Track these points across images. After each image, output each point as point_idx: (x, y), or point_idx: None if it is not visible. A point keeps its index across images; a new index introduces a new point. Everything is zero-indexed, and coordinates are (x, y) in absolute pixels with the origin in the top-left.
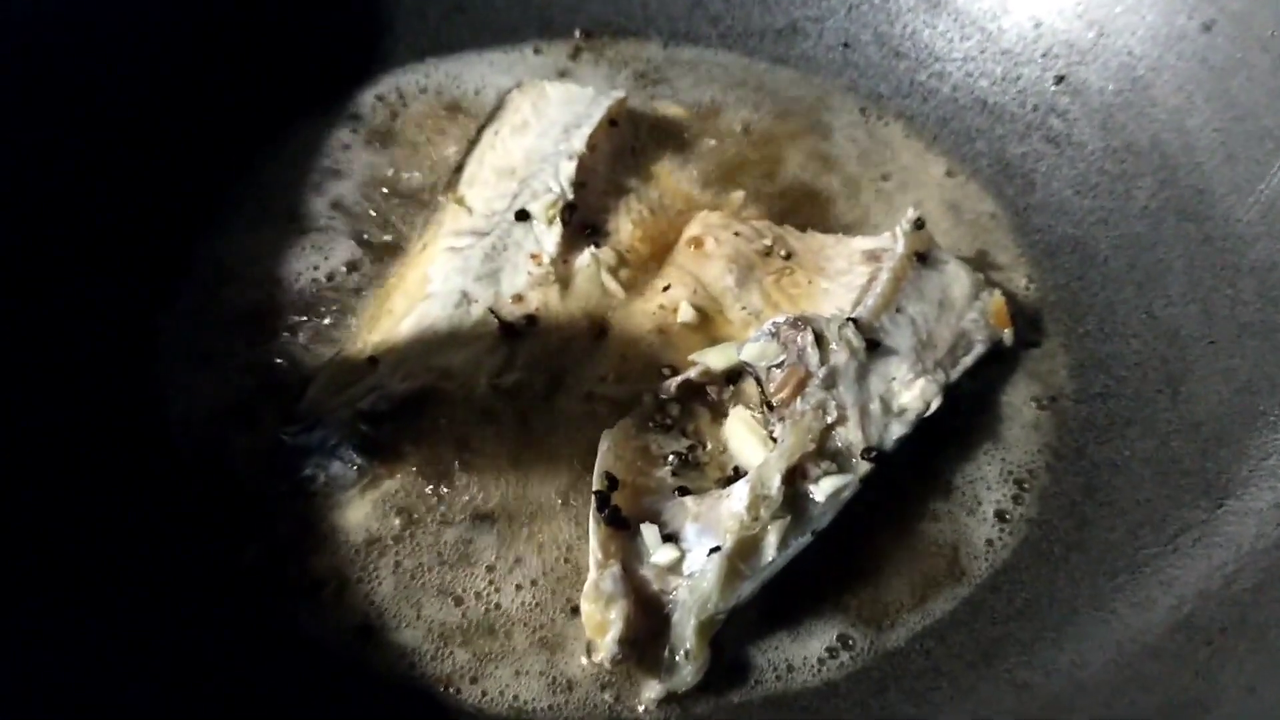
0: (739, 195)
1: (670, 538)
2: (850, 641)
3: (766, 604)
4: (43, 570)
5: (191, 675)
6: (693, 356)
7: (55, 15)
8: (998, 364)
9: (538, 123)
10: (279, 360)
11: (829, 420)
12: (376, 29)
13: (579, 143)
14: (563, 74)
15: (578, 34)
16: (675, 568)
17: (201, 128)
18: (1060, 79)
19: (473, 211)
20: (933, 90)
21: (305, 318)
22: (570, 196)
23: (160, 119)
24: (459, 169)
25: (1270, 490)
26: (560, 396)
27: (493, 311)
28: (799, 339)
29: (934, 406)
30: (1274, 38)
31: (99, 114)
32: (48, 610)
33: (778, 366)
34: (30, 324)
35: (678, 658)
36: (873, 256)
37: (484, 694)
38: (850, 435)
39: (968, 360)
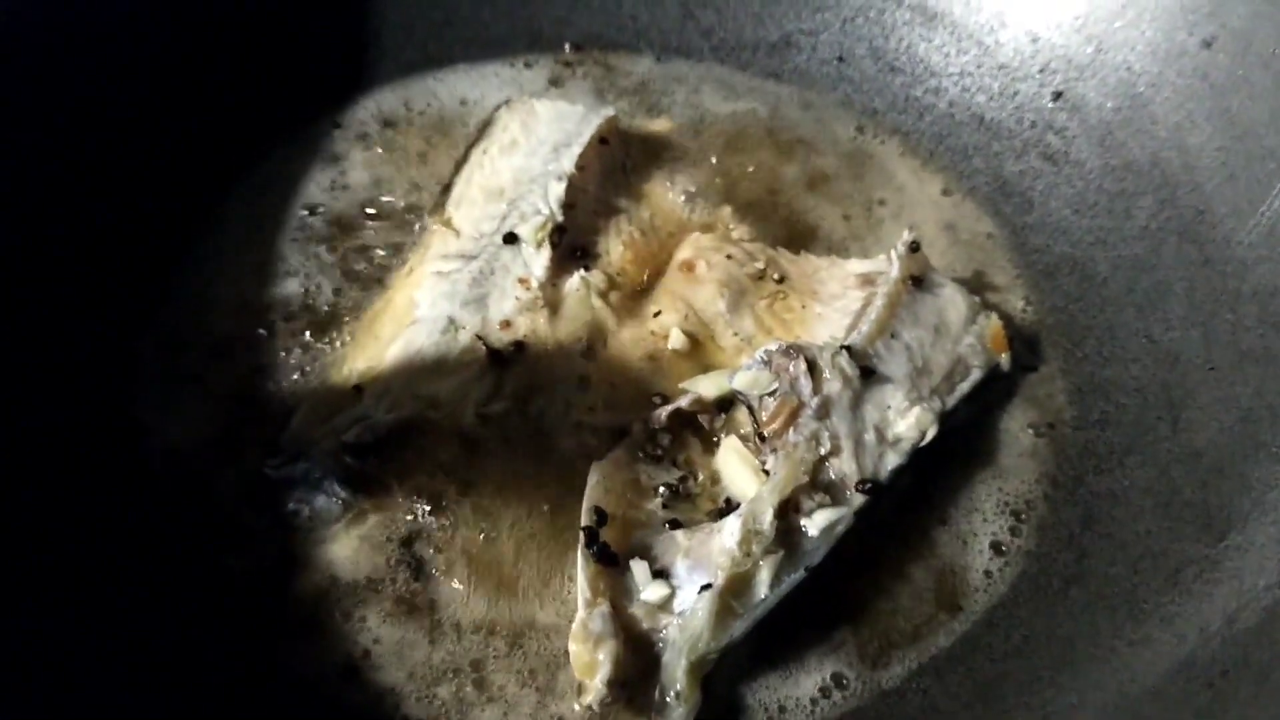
0: (727, 211)
1: (660, 573)
2: (844, 680)
3: (759, 642)
4: (23, 602)
5: (175, 713)
6: (684, 385)
7: (38, 39)
8: (995, 389)
9: (527, 141)
10: (261, 388)
11: (822, 451)
12: (363, 44)
13: (569, 163)
14: (553, 89)
15: (568, 48)
16: (666, 605)
17: (185, 148)
18: (1058, 95)
19: (460, 234)
20: (929, 106)
21: (289, 343)
22: (560, 218)
23: (142, 140)
24: (446, 189)
25: (1273, 525)
26: (549, 426)
27: (480, 338)
28: (792, 367)
29: (930, 436)
30: (1276, 55)
31: (79, 136)
32: (28, 643)
33: (770, 395)
34: (8, 351)
35: (668, 699)
36: (867, 280)
37: None
38: (844, 466)
39: (964, 387)
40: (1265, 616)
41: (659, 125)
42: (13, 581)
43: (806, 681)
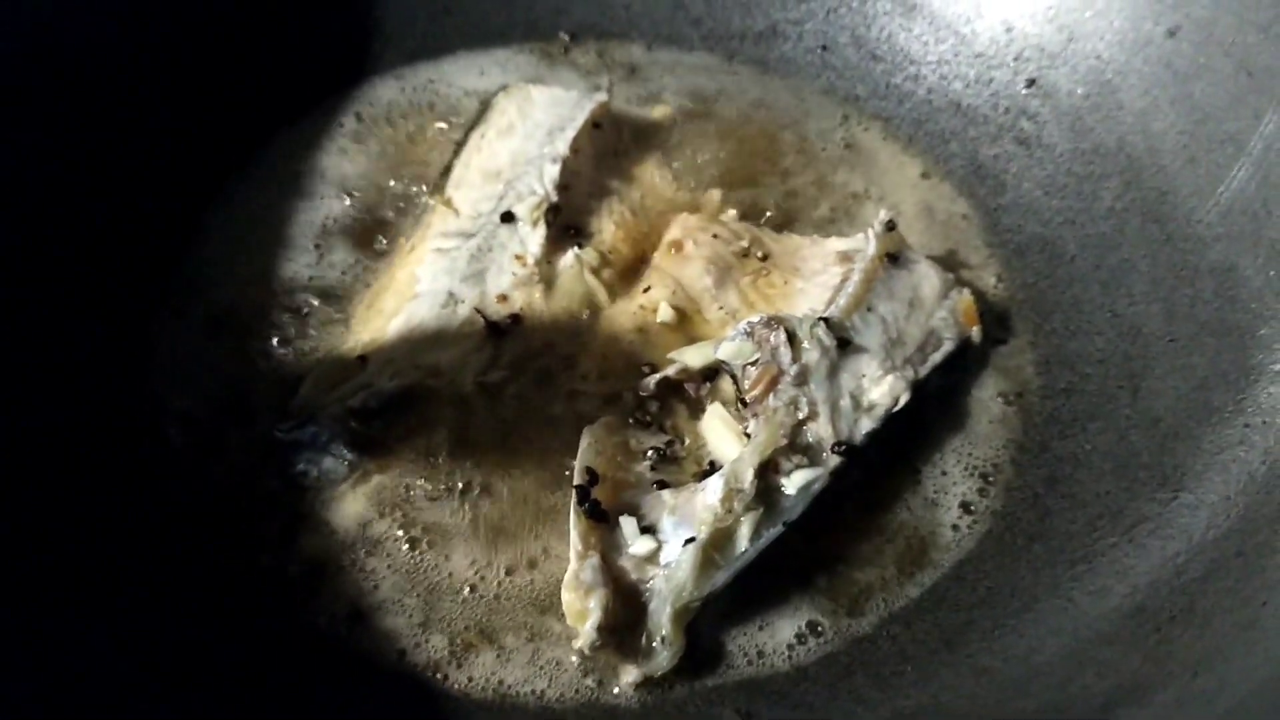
0: (716, 194)
1: (648, 529)
2: (819, 628)
3: (740, 592)
4: (40, 564)
5: (186, 661)
6: (671, 355)
7: (48, 25)
8: (966, 360)
9: (523, 125)
10: (271, 358)
11: (801, 416)
12: (365, 32)
13: (563, 145)
14: (548, 75)
15: (563, 36)
16: (652, 558)
17: (193, 132)
18: (1031, 82)
19: (459, 213)
20: (908, 93)
21: (296, 317)
22: (554, 198)
23: (152, 123)
24: (446, 171)
25: (1221, 484)
26: (544, 393)
27: (479, 311)
28: (772, 338)
29: (902, 402)
30: (1236, 44)
31: (91, 119)
32: (45, 603)
33: (752, 364)
34: (24, 326)
35: (654, 643)
36: (846, 257)
37: (469, 679)
38: (821, 430)
39: (936, 357)
40: (1210, 567)
41: (650, 111)
42: (36, 543)
43: (784, 628)
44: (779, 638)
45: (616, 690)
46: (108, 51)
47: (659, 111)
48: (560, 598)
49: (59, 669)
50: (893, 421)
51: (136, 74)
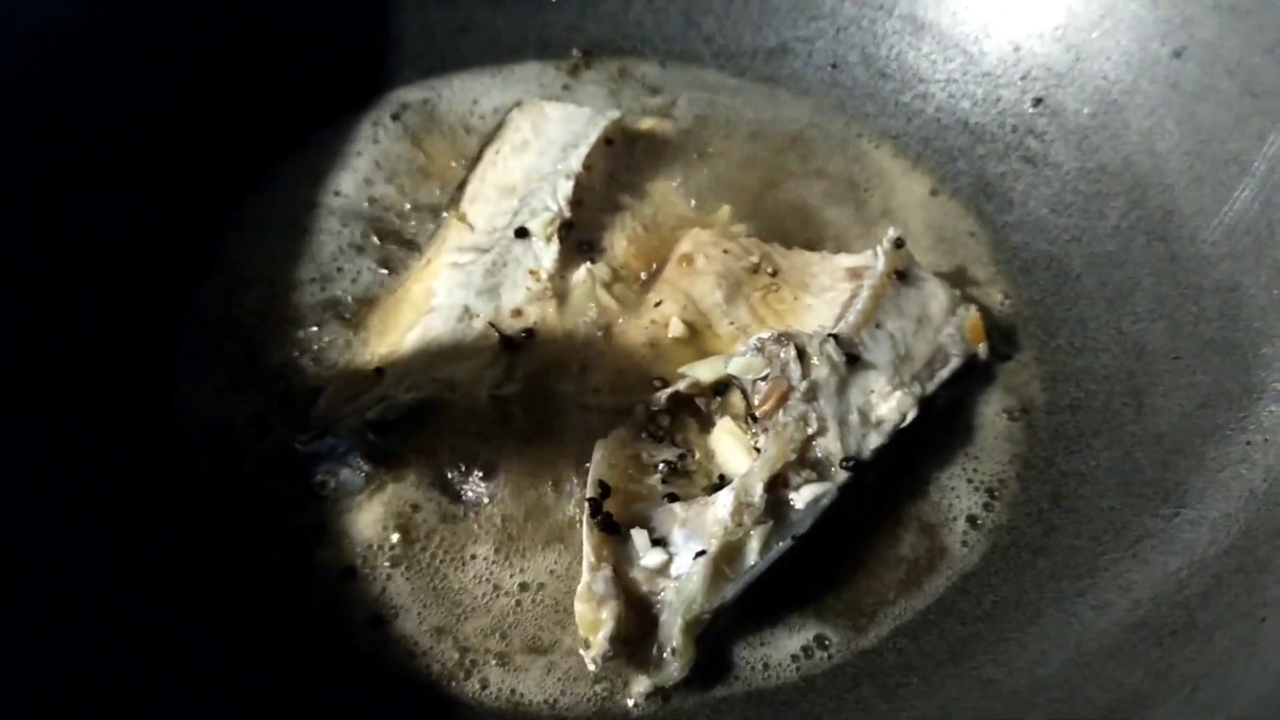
0: (726, 210)
1: (659, 542)
2: (827, 640)
3: (749, 604)
4: (60, 571)
5: (203, 669)
6: (682, 369)
7: (72, 38)
8: (973, 376)
9: (537, 142)
10: (289, 371)
11: (810, 431)
12: (383, 49)
13: (576, 162)
14: (562, 92)
15: (577, 53)
16: (663, 570)
17: (212, 146)
18: (1038, 101)
19: (475, 228)
20: (917, 111)
21: (315, 329)
22: (568, 214)
23: (172, 137)
24: (462, 186)
25: (1224, 500)
26: (556, 407)
27: (493, 325)
28: (782, 354)
29: (910, 418)
30: (1241, 65)
31: (113, 133)
32: (64, 610)
33: (762, 380)
34: (46, 337)
35: (665, 654)
36: (855, 274)
37: (482, 687)
38: (830, 445)
39: (944, 373)
40: (1212, 583)
41: (662, 127)
42: (56, 552)
43: (792, 640)
44: (786, 649)
45: (628, 700)
46: (131, 66)
47: (671, 129)
48: (572, 608)
49: (78, 675)
50: (900, 437)
51: (158, 89)
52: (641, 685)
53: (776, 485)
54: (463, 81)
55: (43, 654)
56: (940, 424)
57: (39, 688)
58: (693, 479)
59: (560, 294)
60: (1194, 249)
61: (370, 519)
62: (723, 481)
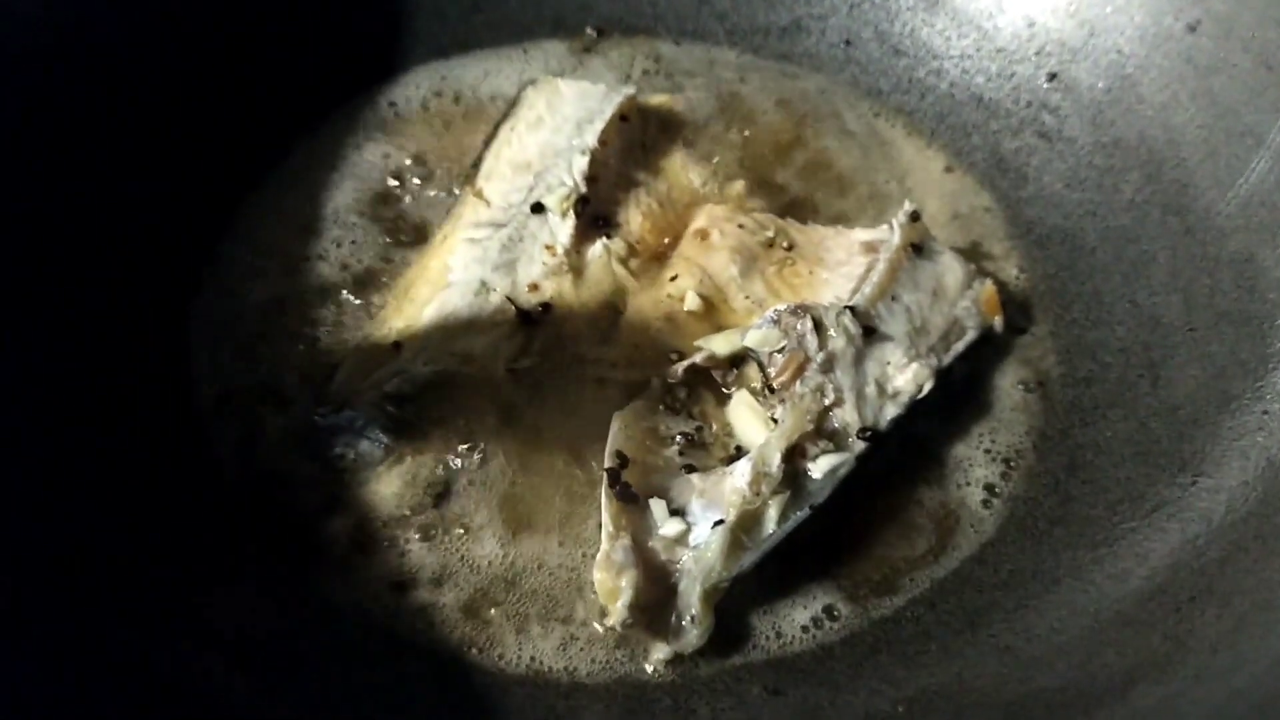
0: (739, 185)
1: (677, 512)
2: (844, 608)
3: (767, 573)
4: (77, 548)
5: (229, 637)
6: (699, 342)
7: (91, 19)
8: (988, 349)
9: (552, 119)
10: (308, 345)
11: (827, 402)
12: (396, 29)
13: (591, 138)
14: (576, 70)
15: (590, 31)
16: (682, 539)
17: (228, 125)
18: (1053, 76)
19: (490, 204)
20: (931, 87)
21: (332, 306)
22: (583, 190)
23: (188, 116)
24: (477, 163)
25: (1240, 469)
26: (573, 380)
27: (510, 299)
28: (799, 326)
29: (926, 389)
30: (1255, 39)
31: (129, 113)
32: (84, 581)
33: (779, 352)
34: (65, 314)
35: (684, 622)
36: (870, 248)
37: (501, 655)
38: (847, 416)
39: (960, 346)
40: (1229, 550)
41: (676, 104)
42: (74, 528)
43: (810, 608)
44: (803, 617)
45: (647, 667)
46: (145, 48)
47: (685, 105)
48: (590, 578)
49: (92, 642)
50: (917, 408)
51: (173, 70)
52: (660, 652)
53: (794, 455)
54: (475, 61)
55: (50, 639)
56: (956, 396)
57: (48, 660)
58: (710, 450)
59: (576, 269)
60: (1209, 222)
61: (388, 490)
62: (739, 453)
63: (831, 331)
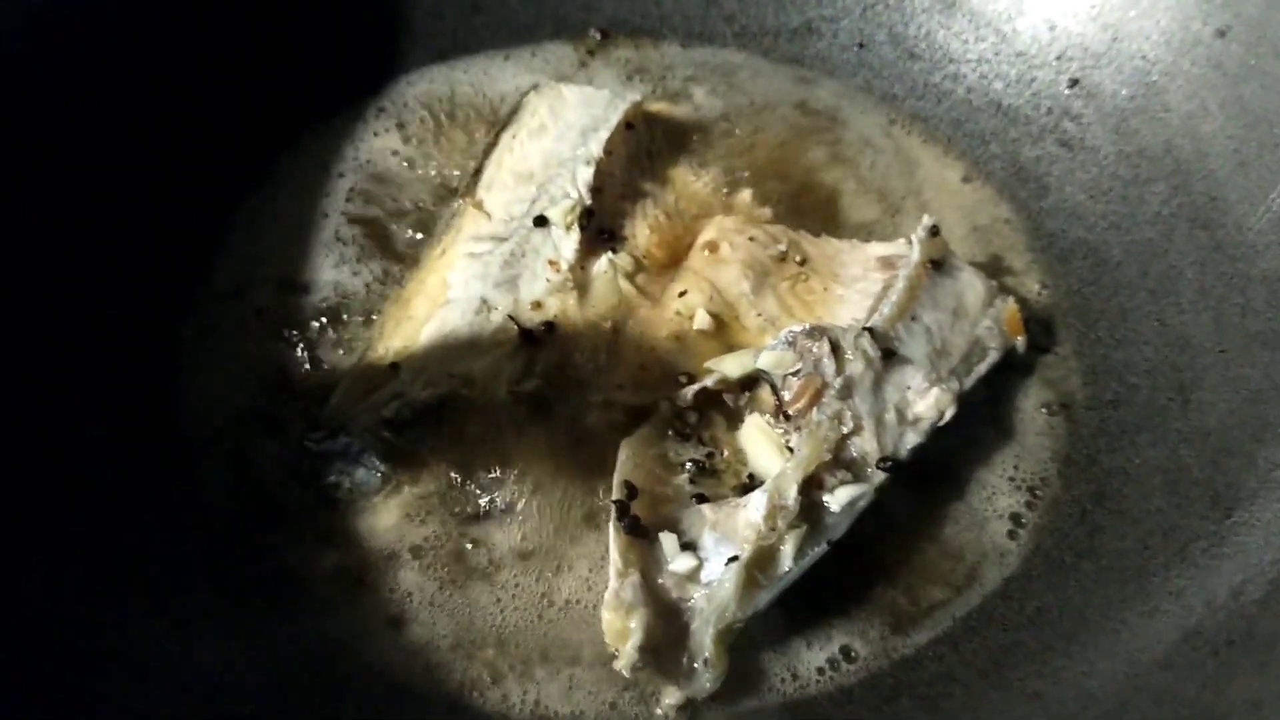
0: (747, 194)
1: (688, 546)
2: (863, 649)
3: (782, 611)
4: (68, 572)
5: (213, 673)
6: (709, 364)
7: (77, 24)
8: (1010, 370)
9: (555, 126)
10: (300, 366)
11: (845, 430)
12: (395, 31)
13: (596, 147)
14: (579, 74)
15: (594, 33)
16: (693, 576)
17: (221, 132)
18: (1074, 82)
19: (491, 216)
20: (947, 91)
21: (325, 322)
22: (588, 201)
23: (179, 124)
24: (477, 172)
25: (1278, 502)
26: (579, 404)
27: (512, 318)
28: (815, 348)
29: (948, 415)
30: None
31: (120, 120)
32: (69, 612)
33: (794, 375)
34: (53, 333)
35: (696, 665)
36: (888, 263)
37: (504, 698)
38: (866, 445)
39: (982, 368)
40: (1270, 590)
41: (683, 110)
42: (63, 552)
43: (826, 649)
44: (821, 658)
45: (658, 711)
46: (139, 51)
47: (691, 111)
48: (598, 616)
49: (75, 678)
50: (937, 435)
51: (167, 74)
52: (672, 697)
53: (811, 487)
54: (475, 64)
55: (43, 660)
56: (977, 420)
57: (31, 701)
58: (721, 478)
59: (581, 285)
60: (1240, 237)
61: (387, 522)
62: (752, 480)
63: (849, 354)
